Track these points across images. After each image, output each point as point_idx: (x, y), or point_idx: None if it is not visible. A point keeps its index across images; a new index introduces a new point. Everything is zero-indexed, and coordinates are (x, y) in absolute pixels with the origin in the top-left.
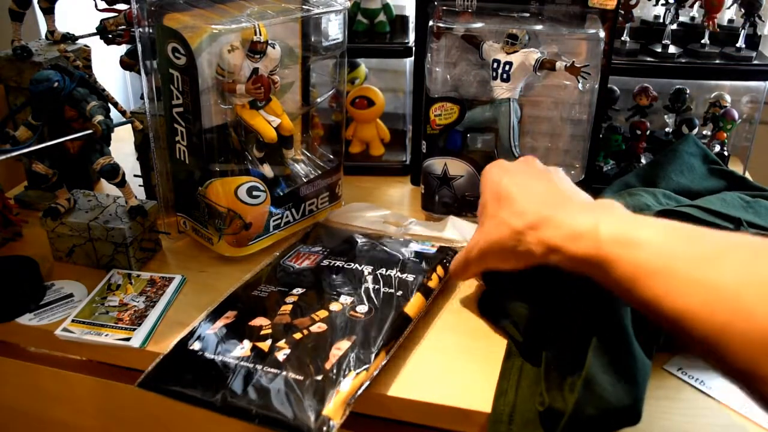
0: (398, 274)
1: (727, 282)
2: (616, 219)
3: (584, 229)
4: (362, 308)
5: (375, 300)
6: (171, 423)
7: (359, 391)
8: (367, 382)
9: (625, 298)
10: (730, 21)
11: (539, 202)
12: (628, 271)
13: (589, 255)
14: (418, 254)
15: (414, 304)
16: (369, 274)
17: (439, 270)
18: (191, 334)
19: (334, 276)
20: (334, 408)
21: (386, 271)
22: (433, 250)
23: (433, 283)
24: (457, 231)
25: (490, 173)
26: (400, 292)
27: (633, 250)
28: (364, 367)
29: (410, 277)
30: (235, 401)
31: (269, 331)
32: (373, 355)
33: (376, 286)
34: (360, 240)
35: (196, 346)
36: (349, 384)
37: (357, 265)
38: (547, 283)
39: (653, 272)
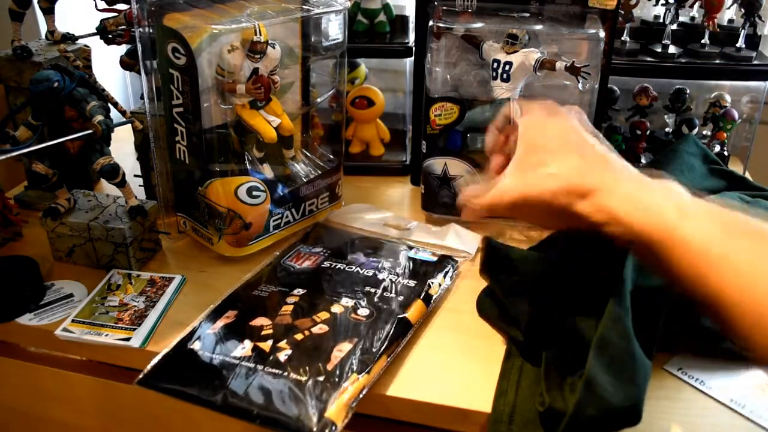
0: (399, 280)
1: None
2: (686, 202)
3: (653, 204)
4: (363, 312)
5: (376, 304)
6: (171, 423)
7: (361, 395)
8: (369, 386)
9: (680, 283)
10: (730, 21)
11: (598, 163)
12: (698, 260)
13: (654, 232)
14: (419, 261)
15: (415, 311)
16: (370, 278)
17: (440, 279)
18: (191, 333)
19: (335, 278)
20: (336, 410)
21: (387, 276)
22: (434, 258)
23: (433, 290)
24: (459, 239)
25: (534, 120)
26: (401, 298)
27: (706, 239)
28: (366, 370)
29: (411, 283)
30: (235, 401)
31: (270, 331)
32: (374, 359)
33: (377, 291)
34: (361, 243)
35: (196, 345)
36: (351, 386)
37: (358, 268)
38: (549, 282)
39: (720, 263)
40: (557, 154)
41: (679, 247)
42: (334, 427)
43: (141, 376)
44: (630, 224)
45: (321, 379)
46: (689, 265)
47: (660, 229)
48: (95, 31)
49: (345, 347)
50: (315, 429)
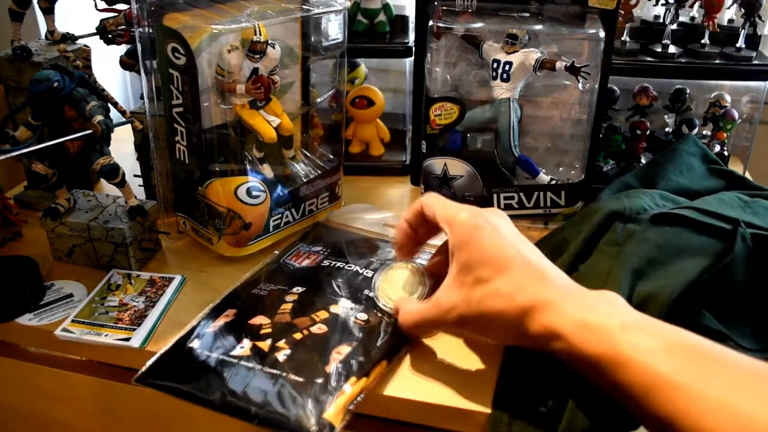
0: None
1: (763, 415)
2: (630, 320)
3: (598, 323)
4: (362, 316)
5: (376, 306)
6: (171, 423)
7: (359, 398)
8: (368, 389)
9: (631, 406)
10: (730, 21)
11: (539, 277)
12: (645, 378)
13: (600, 351)
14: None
15: None
16: (369, 279)
17: None
18: (191, 331)
19: (335, 277)
20: (335, 412)
21: None
22: None
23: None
24: None
25: (466, 233)
26: None
27: (654, 356)
28: (365, 373)
29: None
30: (234, 400)
31: (269, 330)
32: (374, 362)
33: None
34: (361, 244)
35: (195, 343)
36: (349, 389)
37: (358, 268)
38: None
39: (675, 385)
40: (498, 270)
41: (623, 365)
42: (332, 429)
43: (139, 373)
44: (575, 344)
45: (320, 380)
46: (634, 384)
47: (605, 347)
48: (95, 31)
49: (344, 350)
50: (313, 430)
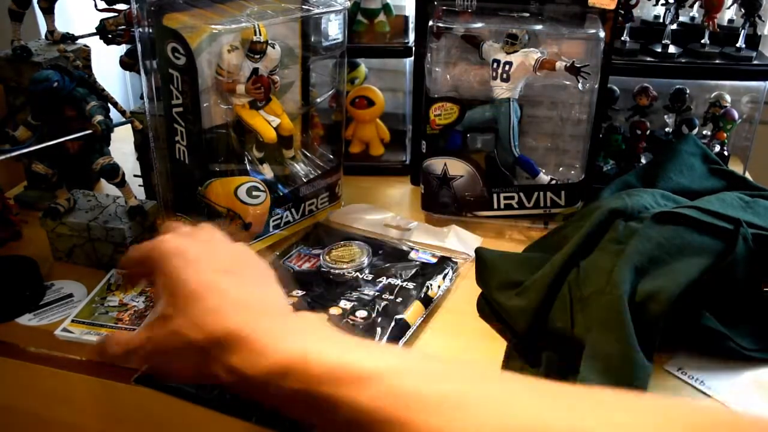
0: (398, 282)
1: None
2: (329, 344)
3: (290, 360)
4: (361, 313)
5: (374, 306)
6: (170, 423)
7: None
8: None
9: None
10: (730, 21)
11: (225, 312)
12: (360, 412)
13: (300, 391)
14: (418, 264)
15: (413, 312)
16: (369, 281)
17: (440, 280)
18: None
19: (334, 280)
20: None
21: (386, 279)
22: (434, 260)
23: (432, 293)
24: (460, 241)
25: (172, 264)
26: (399, 299)
27: (364, 388)
28: None
29: (410, 285)
30: (232, 399)
31: None
32: None
33: (376, 293)
34: (361, 245)
35: None
36: None
37: (357, 273)
38: (545, 283)
39: (395, 417)
40: (181, 307)
41: (343, 408)
42: None
43: (138, 373)
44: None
45: None
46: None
47: (306, 386)
48: (95, 31)
49: None
50: (311, 429)
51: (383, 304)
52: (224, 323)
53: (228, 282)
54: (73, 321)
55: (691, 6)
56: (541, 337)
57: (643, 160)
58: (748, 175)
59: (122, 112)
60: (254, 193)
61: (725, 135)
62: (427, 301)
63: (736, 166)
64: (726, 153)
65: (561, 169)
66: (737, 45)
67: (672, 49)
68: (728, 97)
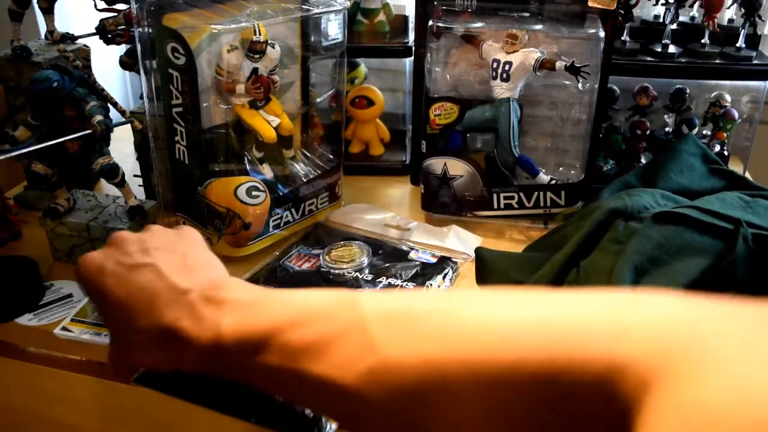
0: (398, 282)
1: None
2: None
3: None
4: None
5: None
6: (170, 423)
7: None
8: None
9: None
10: (730, 21)
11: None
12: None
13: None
14: (418, 264)
15: None
16: (369, 281)
17: (440, 281)
18: None
19: (333, 280)
20: None
21: (386, 279)
22: (434, 260)
23: None
24: (459, 241)
25: (91, 281)
26: None
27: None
28: None
29: (410, 285)
30: (232, 399)
31: None
32: None
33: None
34: (361, 245)
35: None
36: None
37: (357, 273)
38: (551, 281)
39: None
40: (115, 322)
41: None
42: (330, 427)
43: (138, 373)
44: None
45: None
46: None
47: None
48: (95, 31)
49: None
50: (311, 430)
51: None
52: (159, 320)
53: (148, 270)
54: (72, 320)
55: (691, 6)
56: None
57: (643, 160)
58: (748, 175)
59: (122, 112)
60: (254, 193)
61: (725, 135)
62: None
63: (736, 166)
64: (726, 153)
65: (561, 169)
66: (737, 45)
67: (672, 48)
68: (728, 97)
